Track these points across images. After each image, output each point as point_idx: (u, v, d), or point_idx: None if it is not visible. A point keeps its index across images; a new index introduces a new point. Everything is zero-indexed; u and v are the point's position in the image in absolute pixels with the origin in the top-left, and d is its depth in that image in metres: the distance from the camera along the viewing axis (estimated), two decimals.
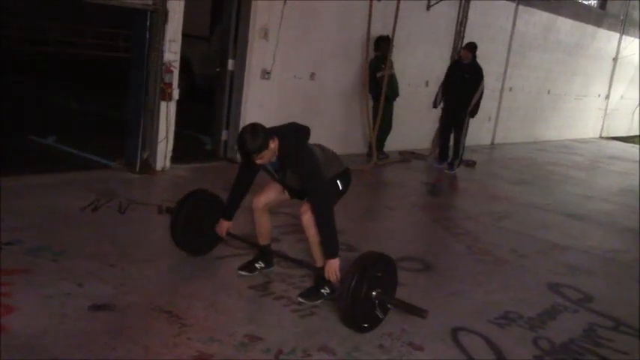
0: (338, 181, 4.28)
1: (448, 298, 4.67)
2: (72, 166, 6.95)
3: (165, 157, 7.32)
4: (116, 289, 4.05)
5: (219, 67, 8.30)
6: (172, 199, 5.88)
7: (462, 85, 9.44)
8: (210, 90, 9.79)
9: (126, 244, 4.91)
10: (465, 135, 9.67)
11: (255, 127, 3.89)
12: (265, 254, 4.65)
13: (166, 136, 7.24)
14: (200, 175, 7.48)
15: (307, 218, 4.08)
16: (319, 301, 4.22)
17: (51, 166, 6.75)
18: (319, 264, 4.24)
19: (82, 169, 6.98)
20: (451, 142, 9.80)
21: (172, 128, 7.29)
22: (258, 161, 3.95)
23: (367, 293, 3.77)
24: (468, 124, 9.62)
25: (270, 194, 4.46)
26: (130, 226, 5.38)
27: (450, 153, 9.78)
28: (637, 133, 18.80)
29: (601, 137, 17.72)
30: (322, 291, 4.28)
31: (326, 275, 4.00)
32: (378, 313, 3.85)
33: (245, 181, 4.42)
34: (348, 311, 3.75)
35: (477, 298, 4.75)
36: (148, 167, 7.18)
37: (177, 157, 7.48)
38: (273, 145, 3.91)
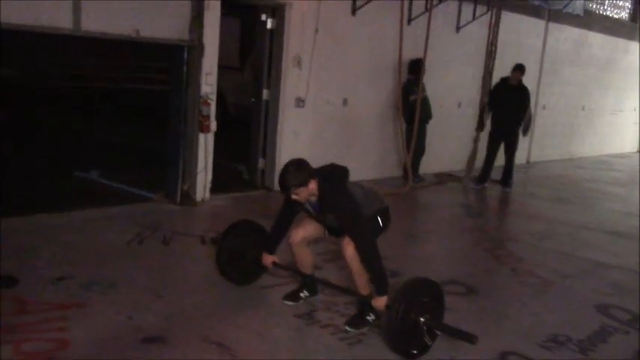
0: (379, 218, 4.33)
1: (494, 322, 4.64)
2: (115, 200, 7.10)
3: (205, 188, 7.44)
4: (166, 320, 4.13)
5: (254, 97, 8.43)
6: (214, 229, 6.03)
7: (512, 105, 9.65)
8: (243, 120, 9.95)
9: (172, 275, 5.01)
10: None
11: (300, 163, 4.01)
12: (309, 283, 4.68)
13: (205, 168, 7.37)
14: (239, 204, 7.58)
15: (350, 250, 4.11)
16: (365, 329, 4.24)
17: (95, 201, 6.92)
18: (363, 292, 4.26)
19: (125, 202, 7.13)
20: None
21: (211, 159, 7.42)
22: (294, 197, 4.01)
23: (415, 319, 3.78)
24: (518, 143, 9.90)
25: (308, 229, 4.49)
26: (175, 258, 5.48)
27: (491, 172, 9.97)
28: None
29: (639, 151, 17.42)
30: (368, 318, 4.29)
31: (374, 304, 4.01)
32: (426, 340, 3.85)
33: (286, 219, 4.50)
34: (396, 338, 3.77)
35: (523, 321, 4.71)
36: (188, 198, 7.30)
37: (216, 187, 7.60)
38: (312, 185, 3.99)
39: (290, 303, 4.60)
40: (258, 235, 4.83)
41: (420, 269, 5.15)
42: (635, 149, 17.37)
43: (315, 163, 4.27)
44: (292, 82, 8.18)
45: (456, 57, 10.62)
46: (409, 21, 9.48)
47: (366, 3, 8.73)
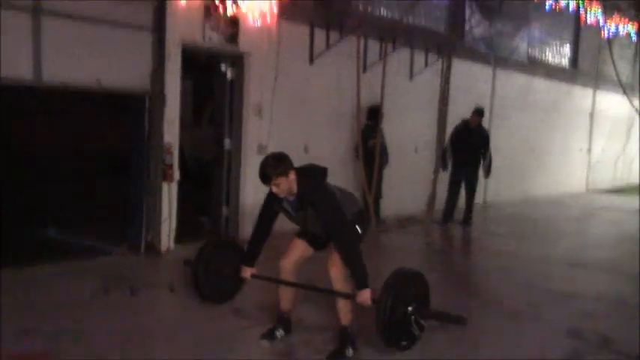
0: (357, 226, 4.36)
1: (470, 350, 4.66)
2: (77, 255, 6.93)
3: (170, 238, 7.35)
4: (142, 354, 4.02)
5: (217, 147, 8.44)
6: (180, 278, 5.93)
7: (472, 147, 10.06)
8: (202, 173, 9.91)
9: (142, 323, 4.90)
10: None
11: (280, 155, 4.13)
12: (285, 320, 4.64)
13: (169, 217, 7.30)
14: None
15: (335, 271, 4.19)
16: None
17: (56, 256, 6.73)
18: (344, 322, 4.26)
19: (88, 256, 6.96)
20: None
21: (175, 209, 7.36)
22: (274, 189, 4.07)
23: (403, 309, 3.90)
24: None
25: (296, 252, 4.50)
26: (143, 307, 5.36)
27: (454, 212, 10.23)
28: (620, 185, 19.12)
29: (587, 190, 18.00)
30: (347, 354, 4.27)
31: (358, 300, 4.07)
32: (414, 330, 3.93)
33: (265, 226, 4.52)
34: (387, 330, 3.86)
35: (498, 347, 4.75)
36: (152, 249, 7.20)
37: (181, 237, 7.50)
38: (292, 176, 4.07)
39: (267, 343, 4.53)
40: (234, 250, 4.86)
41: None
42: (583, 189, 17.93)
43: None
44: (254, 130, 8.25)
45: (411, 103, 10.92)
46: (365, 69, 9.73)
47: (323, 52, 8.96)
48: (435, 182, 10.39)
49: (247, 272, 4.65)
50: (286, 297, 4.61)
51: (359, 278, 4.06)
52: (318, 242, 4.47)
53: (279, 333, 4.61)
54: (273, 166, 4.03)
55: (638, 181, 18.39)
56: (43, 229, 8.00)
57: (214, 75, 8.31)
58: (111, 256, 7.05)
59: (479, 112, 10.18)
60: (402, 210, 10.84)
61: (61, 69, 6.17)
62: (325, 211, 4.09)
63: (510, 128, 13.95)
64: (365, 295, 4.02)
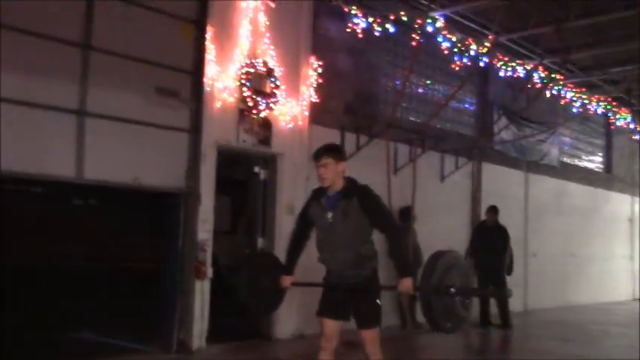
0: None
1: None
2: (109, 354, 6.88)
3: (201, 337, 7.26)
4: None
5: (249, 248, 8.52)
6: None
7: (493, 247, 9.93)
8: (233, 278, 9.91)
9: None
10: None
11: (338, 145, 4.52)
12: None
13: (202, 315, 7.26)
14: (236, 352, 7.37)
15: (369, 348, 4.25)
16: None
17: (89, 356, 6.70)
18: None
19: (119, 356, 6.90)
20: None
21: (207, 307, 7.33)
22: (320, 170, 4.20)
23: (445, 291, 3.96)
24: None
25: (332, 329, 4.40)
26: None
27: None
28: None
29: (634, 299, 17.31)
30: None
31: (400, 288, 4.16)
32: (459, 311, 3.84)
33: (302, 234, 4.58)
34: (432, 314, 3.94)
35: None
36: (184, 347, 7.10)
37: (212, 337, 7.42)
38: (342, 167, 4.25)
39: None
40: (273, 262, 4.89)
41: None
42: (630, 297, 17.26)
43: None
44: (286, 229, 8.31)
45: (442, 205, 10.94)
46: (395, 171, 9.89)
47: (353, 154, 9.19)
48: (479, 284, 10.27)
49: (287, 281, 4.62)
50: None
51: (403, 267, 4.18)
52: (340, 310, 4.38)
53: None
54: (329, 147, 4.34)
55: None
56: (77, 331, 8.04)
57: (248, 175, 8.56)
58: (143, 354, 6.97)
59: (493, 210, 10.28)
60: None
61: (101, 167, 6.44)
62: (374, 202, 4.25)
63: (547, 232, 13.77)
64: (407, 283, 4.09)
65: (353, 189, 4.29)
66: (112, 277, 8.83)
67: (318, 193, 4.42)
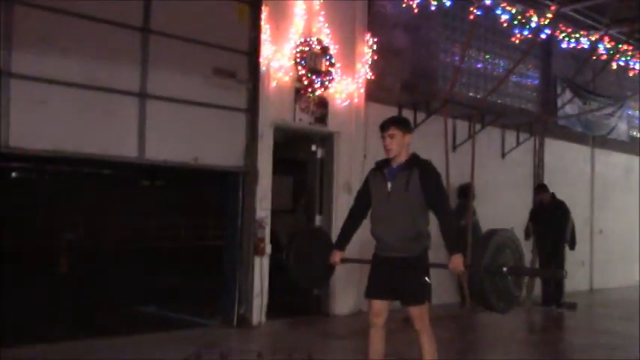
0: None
1: None
2: (173, 327, 7.14)
3: (261, 312, 7.43)
4: None
5: (308, 223, 8.62)
6: (270, 348, 5.99)
7: (551, 224, 9.62)
8: None
9: None
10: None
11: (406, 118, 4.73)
12: None
13: (261, 291, 7.42)
14: (296, 327, 7.51)
15: (418, 324, 4.27)
16: None
17: (154, 329, 6.97)
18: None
19: (183, 328, 7.15)
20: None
21: (266, 282, 7.48)
22: (387, 140, 4.27)
23: (498, 270, 4.00)
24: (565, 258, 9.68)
25: (380, 307, 4.44)
26: None
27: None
28: None
29: None
30: None
31: (451, 266, 4.19)
32: (512, 290, 3.86)
33: (359, 211, 4.58)
34: (483, 293, 4.02)
35: None
36: (244, 322, 7.29)
37: (272, 312, 7.58)
38: (407, 140, 4.31)
39: None
40: (324, 239, 4.96)
41: None
42: None
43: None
44: (344, 206, 8.36)
45: (503, 182, 10.74)
46: (454, 148, 9.78)
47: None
48: (532, 262, 10.06)
49: (337, 256, 4.63)
50: (376, 352, 4.49)
51: (453, 244, 4.20)
52: (388, 290, 4.39)
53: None
54: (396, 119, 4.58)
55: None
56: (143, 306, 8.35)
57: (306, 154, 8.64)
58: (205, 328, 7.20)
59: (541, 188, 9.99)
60: None
61: (162, 147, 6.65)
62: (434, 179, 4.29)
63: (614, 209, 13.34)
64: (457, 260, 4.12)
65: (416, 162, 4.33)
66: (177, 255, 9.10)
67: (382, 164, 4.46)
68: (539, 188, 10.05)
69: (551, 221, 9.62)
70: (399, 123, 4.39)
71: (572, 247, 9.83)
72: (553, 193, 9.88)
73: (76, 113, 6.05)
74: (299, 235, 5.03)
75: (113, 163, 6.42)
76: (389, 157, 4.36)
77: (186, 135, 6.86)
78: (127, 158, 6.48)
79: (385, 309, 4.44)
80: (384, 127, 4.36)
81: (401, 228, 4.26)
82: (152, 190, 8.97)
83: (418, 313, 4.29)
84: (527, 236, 9.94)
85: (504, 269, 3.95)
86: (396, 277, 4.30)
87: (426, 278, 4.31)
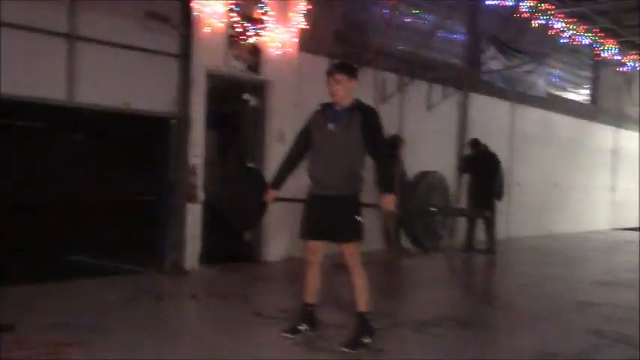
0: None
1: (485, 348, 4.71)
2: (104, 274, 7.11)
3: (194, 258, 7.50)
4: (164, 350, 4.17)
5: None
6: (204, 291, 6.11)
7: (484, 174, 10.15)
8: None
9: (170, 320, 5.07)
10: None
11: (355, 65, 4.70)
12: (309, 315, 4.71)
13: (194, 237, 7.48)
14: (228, 272, 7.64)
15: (350, 261, 4.43)
16: (362, 350, 4.28)
17: (85, 276, 6.92)
18: (361, 308, 4.37)
19: (113, 275, 7.13)
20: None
21: (199, 229, 7.55)
22: (333, 85, 4.40)
23: (425, 209, 4.06)
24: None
25: (315, 245, 4.61)
26: (169, 309, 5.53)
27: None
28: None
29: (613, 229, 17.82)
30: (363, 339, 4.36)
31: (383, 204, 4.36)
32: (439, 231, 4.10)
33: (298, 152, 4.68)
34: (412, 232, 4.00)
35: (516, 343, 4.79)
36: (177, 268, 7.35)
37: (205, 259, 7.66)
38: (352, 85, 4.42)
39: (288, 336, 4.61)
40: (258, 179, 5.03)
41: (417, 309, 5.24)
42: (609, 227, 17.76)
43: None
44: (276, 155, 8.45)
45: (429, 134, 11.10)
46: (383, 100, 9.99)
47: None
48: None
49: (271, 194, 4.74)
50: (311, 288, 4.68)
51: (386, 185, 4.38)
52: (321, 229, 4.53)
53: (303, 327, 4.66)
54: (343, 64, 4.60)
55: None
56: (73, 255, 8.22)
57: (238, 103, 8.64)
58: (137, 275, 7.22)
59: (475, 142, 10.53)
60: None
61: (92, 91, 6.51)
62: (376, 124, 4.42)
63: (532, 163, 14.03)
64: (389, 199, 4.29)
65: (360, 106, 4.46)
66: (107, 205, 8.94)
67: (325, 107, 4.56)
68: (473, 142, 10.51)
69: (482, 172, 10.13)
70: (346, 68, 4.49)
71: (499, 197, 10.39)
72: (485, 145, 10.38)
73: (5, 54, 5.82)
74: (233, 174, 5.05)
75: (42, 114, 6.24)
76: (334, 100, 4.47)
77: (118, 79, 6.74)
78: (56, 101, 6.31)
79: (321, 247, 4.61)
80: (331, 72, 4.47)
81: (337, 167, 4.40)
82: (81, 141, 8.76)
83: (350, 251, 4.46)
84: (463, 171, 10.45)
85: (433, 209, 4.16)
86: (329, 215, 4.42)
87: (358, 217, 4.48)
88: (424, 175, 4.62)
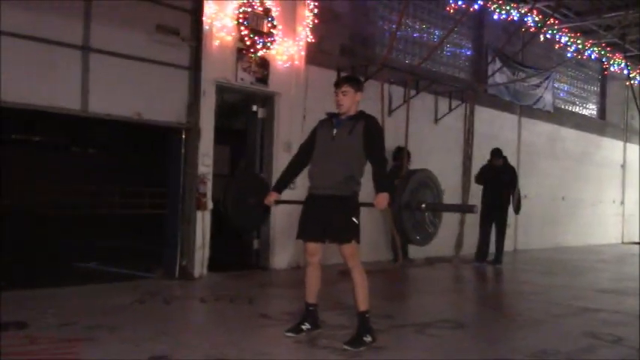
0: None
1: (488, 344, 4.83)
2: (114, 280, 7.29)
3: (203, 265, 7.68)
4: (171, 347, 4.31)
5: None
6: (212, 296, 6.28)
7: (500, 186, 10.33)
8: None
9: (175, 320, 5.22)
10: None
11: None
12: (311, 314, 4.85)
13: (203, 245, 7.66)
14: (236, 279, 7.80)
15: (349, 262, 4.55)
16: (363, 348, 4.42)
17: (93, 282, 7.11)
18: (362, 308, 4.51)
19: (123, 281, 7.30)
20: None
21: (208, 237, 7.72)
22: (339, 96, 4.60)
23: (417, 206, 4.35)
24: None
25: (314, 246, 4.75)
26: (177, 311, 5.69)
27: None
28: None
29: (623, 243, 17.80)
30: (365, 339, 4.49)
31: (376, 202, 4.42)
32: (428, 227, 4.20)
33: (303, 157, 4.87)
34: (404, 227, 4.34)
35: (515, 342, 4.91)
36: (186, 274, 7.52)
37: (213, 265, 7.83)
38: (358, 97, 4.65)
39: (292, 335, 4.75)
40: (260, 182, 5.32)
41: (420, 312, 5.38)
42: (618, 241, 17.74)
43: None
44: (283, 165, 8.60)
45: (436, 146, 11.25)
46: (390, 112, 10.18)
47: None
48: (462, 223, 10.66)
49: (272, 197, 4.91)
50: (312, 289, 4.83)
51: (381, 185, 4.47)
52: (318, 231, 4.66)
53: (305, 327, 4.79)
54: (350, 77, 4.91)
55: None
56: (85, 263, 8.43)
57: (246, 115, 8.85)
58: (147, 280, 7.39)
59: (494, 154, 10.54)
60: (430, 251, 10.98)
61: (105, 102, 6.74)
62: (377, 132, 4.62)
63: (539, 176, 14.12)
64: (382, 197, 4.40)
65: (363, 115, 4.67)
66: (119, 213, 9.20)
67: (331, 115, 4.76)
68: (495, 152, 10.56)
69: (498, 183, 10.25)
70: (352, 81, 4.75)
71: (517, 211, 10.59)
72: (505, 157, 10.51)
73: (18, 65, 6.07)
74: (236, 177, 5.24)
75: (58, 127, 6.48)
76: (340, 111, 4.67)
77: (130, 90, 6.97)
78: (70, 111, 6.54)
79: (319, 248, 4.76)
80: (338, 84, 4.72)
81: (335, 168, 4.56)
82: (92, 154, 9.05)
83: (349, 252, 4.59)
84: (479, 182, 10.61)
85: (423, 205, 4.30)
86: (326, 215, 4.56)
87: (354, 219, 4.61)
88: (413, 172, 4.79)
